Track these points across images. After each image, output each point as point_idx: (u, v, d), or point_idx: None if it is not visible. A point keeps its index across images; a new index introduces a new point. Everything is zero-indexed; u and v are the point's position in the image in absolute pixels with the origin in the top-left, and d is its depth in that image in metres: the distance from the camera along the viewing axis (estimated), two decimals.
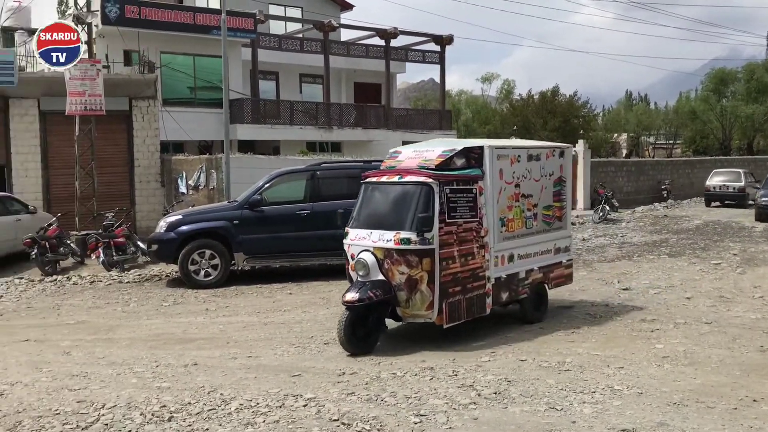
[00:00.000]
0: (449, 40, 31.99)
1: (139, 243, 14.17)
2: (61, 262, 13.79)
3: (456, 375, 6.38)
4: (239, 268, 12.24)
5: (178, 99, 23.84)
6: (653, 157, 47.20)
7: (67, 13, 25.36)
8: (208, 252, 11.77)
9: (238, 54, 25.52)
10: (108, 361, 7.13)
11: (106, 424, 5.26)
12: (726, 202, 25.90)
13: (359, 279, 7.37)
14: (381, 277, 7.28)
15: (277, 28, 30.00)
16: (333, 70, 29.17)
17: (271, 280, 11.98)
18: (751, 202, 23.15)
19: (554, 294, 9.11)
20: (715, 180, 26.53)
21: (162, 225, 12.29)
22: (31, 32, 29.16)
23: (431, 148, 7.85)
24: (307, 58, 28.65)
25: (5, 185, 17.31)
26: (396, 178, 7.57)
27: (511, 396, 5.78)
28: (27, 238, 13.35)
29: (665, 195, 28.76)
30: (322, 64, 28.20)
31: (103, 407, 5.63)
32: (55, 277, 12.70)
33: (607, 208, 21.55)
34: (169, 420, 5.32)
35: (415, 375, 6.40)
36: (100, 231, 14.19)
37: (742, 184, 25.66)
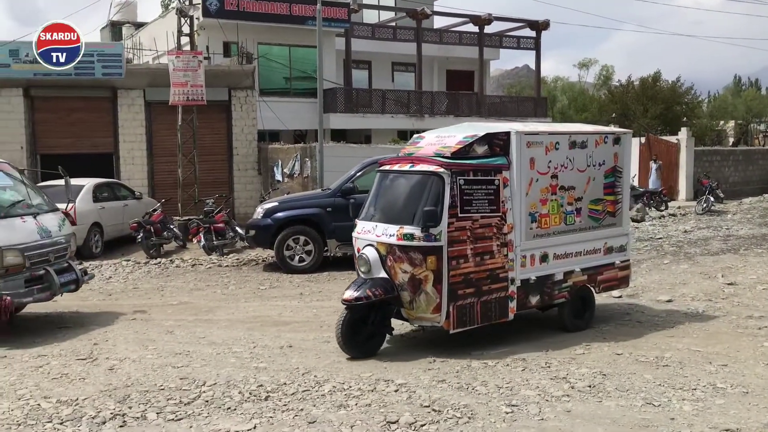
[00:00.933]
0: (545, 25, 31.26)
1: (237, 228, 14.66)
2: (164, 245, 14.47)
3: (549, 367, 6.28)
4: (332, 254, 12.47)
5: (274, 89, 24.42)
6: (764, 146, 44.56)
7: (170, 7, 26.44)
8: (302, 238, 12.08)
9: (332, 44, 25.86)
10: (208, 341, 7.44)
11: (207, 401, 5.50)
12: None
13: (362, 276, 6.88)
14: (384, 274, 6.70)
15: (370, 17, 30.17)
16: (425, 58, 29.07)
17: None
18: None
19: (652, 287, 8.79)
20: None
21: (259, 211, 12.68)
22: (137, 26, 30.69)
23: (453, 134, 7.11)
24: (400, 46, 28.68)
25: (114, 172, 18.26)
26: (407, 167, 6.92)
27: (606, 390, 5.64)
28: (133, 222, 14.08)
29: None
30: (415, 52, 28.18)
31: (204, 384, 5.89)
32: (159, 259, 13.33)
33: (711, 199, 20.63)
34: (266, 399, 5.51)
35: (507, 365, 6.34)
36: (201, 216, 14.75)
37: None
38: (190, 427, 4.99)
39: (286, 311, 8.98)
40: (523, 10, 42.38)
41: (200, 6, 21.81)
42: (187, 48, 17.35)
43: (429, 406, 5.27)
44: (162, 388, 5.84)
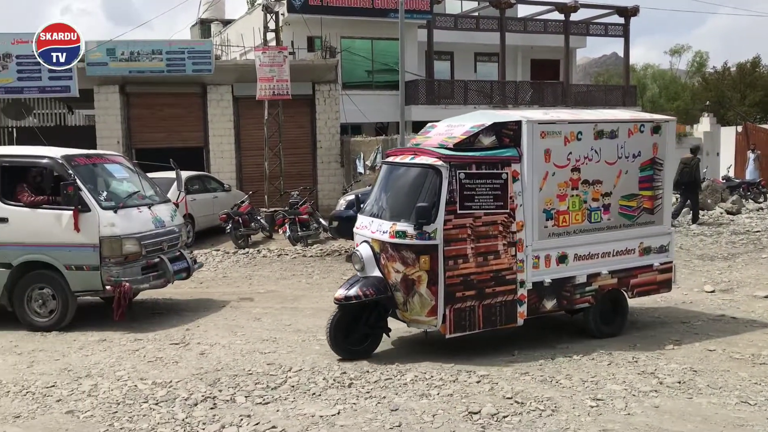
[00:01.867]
0: (634, 11, 30.23)
1: (321, 220, 14.94)
2: (252, 236, 14.90)
3: (636, 362, 6.12)
4: None
5: (356, 82, 24.67)
6: None
7: (256, 3, 27.07)
8: None
9: (414, 35, 25.85)
10: (294, 329, 7.64)
11: (293, 386, 5.65)
12: None
13: (356, 273, 6.59)
14: (378, 273, 6.35)
15: (452, 7, 29.97)
16: (509, 47, 28.62)
17: None
18: None
19: (748, 282, 8.36)
20: None
21: (341, 203, 12.86)
22: (225, 23, 31.61)
23: (462, 123, 6.62)
24: (482, 36, 28.35)
25: (204, 165, 18.90)
26: (408, 159, 6.52)
27: (697, 386, 5.45)
28: (222, 213, 14.55)
29: None
30: (498, 41, 27.81)
31: (290, 370, 6.06)
32: (246, 249, 13.75)
33: None
34: (349, 386, 5.62)
35: (592, 359, 6.23)
36: (286, 208, 15.08)
37: None
38: (277, 410, 5.15)
39: None
40: None
41: (285, 2, 22.25)
42: (273, 43, 17.73)
43: (511, 398, 5.25)
44: (250, 372, 6.05)
